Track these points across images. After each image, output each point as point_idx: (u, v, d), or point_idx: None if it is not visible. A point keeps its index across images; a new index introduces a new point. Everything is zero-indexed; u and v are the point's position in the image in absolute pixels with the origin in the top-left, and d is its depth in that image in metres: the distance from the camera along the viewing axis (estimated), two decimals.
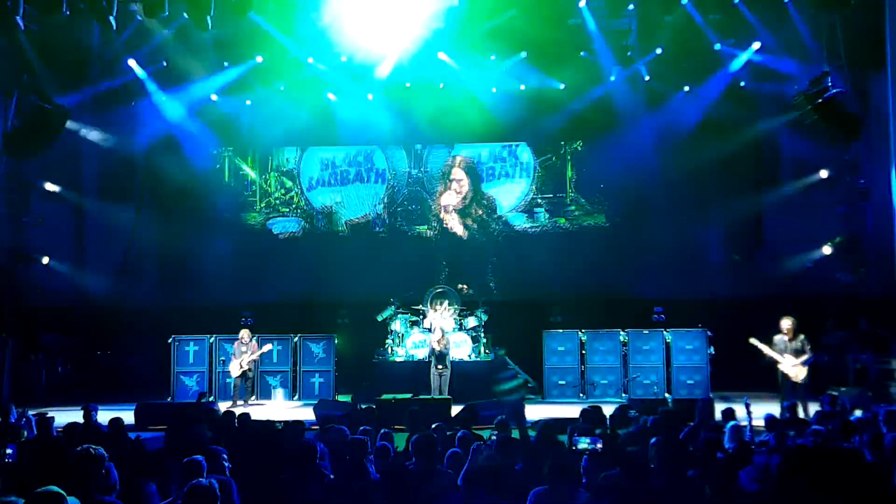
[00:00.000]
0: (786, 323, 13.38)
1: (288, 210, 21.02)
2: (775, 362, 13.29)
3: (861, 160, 17.36)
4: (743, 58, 17.41)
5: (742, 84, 18.17)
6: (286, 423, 9.53)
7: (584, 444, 3.92)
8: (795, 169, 18.27)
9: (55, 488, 4.44)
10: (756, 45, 17.07)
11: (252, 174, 21.06)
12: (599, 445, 3.57)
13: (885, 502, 1.68)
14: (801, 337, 13.36)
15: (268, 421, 9.84)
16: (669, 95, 18.76)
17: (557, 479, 5.44)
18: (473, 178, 20.64)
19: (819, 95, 15.74)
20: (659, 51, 17.58)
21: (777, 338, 13.39)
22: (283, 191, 21.09)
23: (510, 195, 20.58)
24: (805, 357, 13.20)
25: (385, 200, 20.87)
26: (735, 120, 18.28)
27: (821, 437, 7.07)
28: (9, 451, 7.24)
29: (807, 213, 17.71)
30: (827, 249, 17.39)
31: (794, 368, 13.17)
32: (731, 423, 7.95)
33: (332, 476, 6.59)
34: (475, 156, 20.68)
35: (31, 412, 10.77)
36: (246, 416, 9.92)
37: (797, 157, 18.23)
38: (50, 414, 10.46)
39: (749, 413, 8.81)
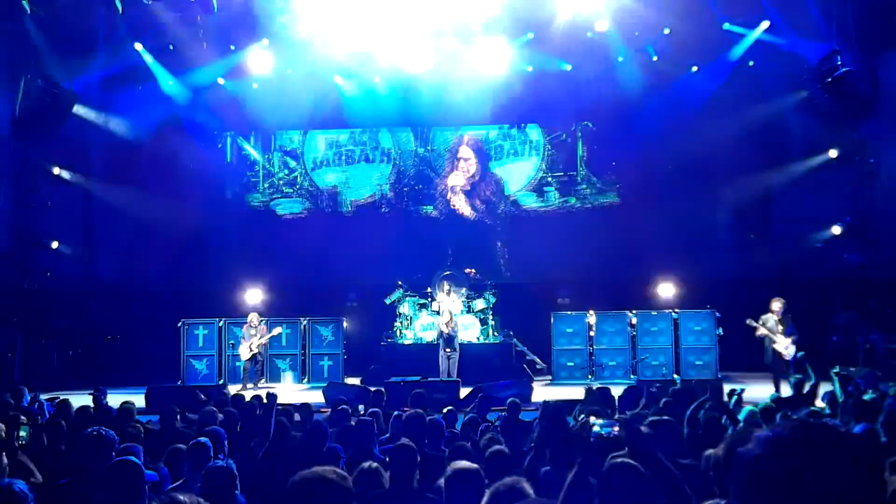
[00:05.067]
0: (776, 304, 13.87)
1: (292, 191, 20.95)
2: (771, 341, 13.68)
3: (871, 140, 17.25)
4: (752, 36, 17.29)
5: (751, 63, 18.03)
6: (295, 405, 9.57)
7: (598, 427, 3.84)
8: (805, 148, 18.15)
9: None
10: (765, 24, 16.95)
11: (255, 154, 20.99)
12: (616, 430, 3.49)
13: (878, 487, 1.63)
14: (789, 317, 13.86)
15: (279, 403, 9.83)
16: (678, 75, 18.64)
17: (563, 461, 5.44)
18: (481, 157, 20.52)
19: (828, 74, 15.65)
20: (667, 30, 17.46)
21: (766, 317, 13.85)
22: (286, 171, 21.00)
23: (519, 174, 20.48)
24: (794, 336, 13.71)
25: (391, 180, 20.77)
26: (744, 99, 18.15)
27: (816, 415, 7.08)
28: (21, 434, 7.26)
29: (816, 192, 17.61)
30: (836, 229, 17.33)
31: (785, 347, 13.63)
32: (748, 408, 7.99)
33: (343, 457, 6.60)
34: (483, 134, 20.57)
35: (42, 396, 10.83)
36: (258, 398, 9.94)
37: (806, 136, 18.11)
38: (62, 397, 10.53)
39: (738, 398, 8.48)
